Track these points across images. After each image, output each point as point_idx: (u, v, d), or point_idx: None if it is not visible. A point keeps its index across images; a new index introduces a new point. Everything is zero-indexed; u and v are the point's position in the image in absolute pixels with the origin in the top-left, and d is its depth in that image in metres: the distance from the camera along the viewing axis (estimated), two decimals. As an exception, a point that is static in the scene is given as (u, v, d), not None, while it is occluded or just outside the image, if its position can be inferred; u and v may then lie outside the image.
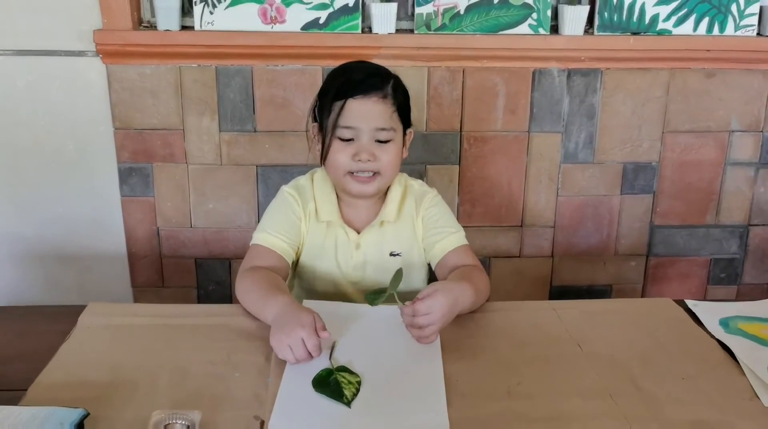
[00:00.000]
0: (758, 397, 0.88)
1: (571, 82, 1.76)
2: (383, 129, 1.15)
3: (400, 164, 1.21)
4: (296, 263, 1.26)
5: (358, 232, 1.23)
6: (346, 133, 1.15)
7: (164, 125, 1.73)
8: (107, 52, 1.66)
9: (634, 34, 1.73)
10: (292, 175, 1.76)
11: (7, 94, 1.70)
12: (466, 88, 1.75)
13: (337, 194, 1.24)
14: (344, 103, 1.13)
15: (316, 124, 1.21)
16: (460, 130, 1.78)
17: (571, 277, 1.93)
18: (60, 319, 1.06)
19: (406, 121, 1.21)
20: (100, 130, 1.74)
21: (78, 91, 1.71)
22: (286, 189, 1.25)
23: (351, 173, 1.17)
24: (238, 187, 1.79)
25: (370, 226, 1.23)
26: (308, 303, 1.11)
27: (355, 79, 1.16)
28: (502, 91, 1.76)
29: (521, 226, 1.87)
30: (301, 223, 1.22)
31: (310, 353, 0.92)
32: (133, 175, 1.77)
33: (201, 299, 1.88)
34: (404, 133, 1.22)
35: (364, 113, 1.14)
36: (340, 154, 1.15)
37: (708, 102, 1.80)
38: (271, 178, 1.78)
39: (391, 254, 1.24)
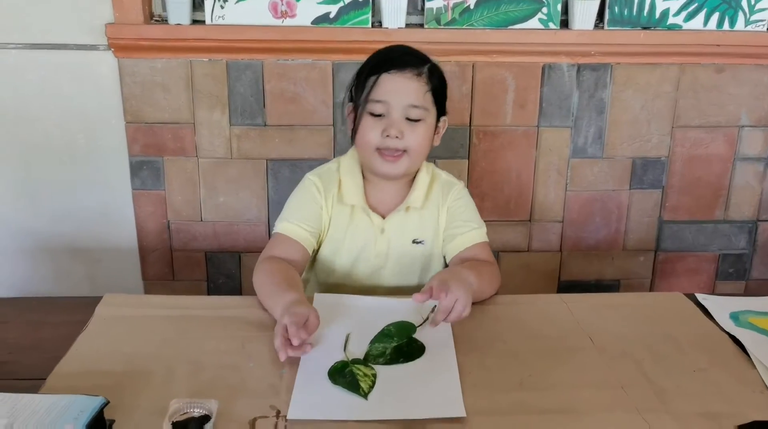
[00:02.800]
0: (769, 390, 0.89)
1: (581, 77, 1.76)
2: (415, 106, 1.15)
3: (429, 148, 1.21)
4: (316, 250, 1.26)
5: (383, 217, 1.23)
6: (377, 108, 1.15)
7: (175, 119, 1.74)
8: (119, 46, 1.67)
9: (645, 28, 1.73)
10: (302, 169, 1.78)
11: (19, 88, 1.71)
12: (476, 83, 1.76)
13: (364, 176, 1.24)
14: (378, 77, 1.14)
15: (351, 104, 1.22)
16: (470, 125, 1.78)
17: (580, 271, 1.94)
18: (74, 311, 1.07)
19: (440, 108, 1.21)
20: (111, 123, 1.75)
21: (89, 84, 1.72)
22: (309, 176, 1.26)
23: (379, 151, 1.16)
24: (249, 181, 1.80)
25: (396, 211, 1.23)
26: (320, 297, 1.12)
27: (392, 55, 1.17)
28: (511, 86, 1.76)
29: (530, 220, 1.88)
30: (322, 211, 1.22)
31: (290, 342, 0.91)
32: (144, 169, 1.78)
33: (211, 292, 1.89)
34: (437, 120, 1.21)
35: (397, 88, 1.14)
36: (370, 131, 1.16)
37: (718, 97, 1.80)
38: (281, 173, 1.79)
39: (414, 241, 1.24)
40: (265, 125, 1.76)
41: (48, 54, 1.69)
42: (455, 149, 1.80)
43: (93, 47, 1.68)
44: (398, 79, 1.14)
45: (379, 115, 1.16)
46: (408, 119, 1.15)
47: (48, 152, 1.77)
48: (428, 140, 1.20)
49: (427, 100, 1.17)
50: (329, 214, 1.23)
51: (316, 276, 1.29)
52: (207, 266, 1.87)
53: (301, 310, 0.95)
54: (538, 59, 1.74)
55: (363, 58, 1.22)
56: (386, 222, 1.23)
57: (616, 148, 1.83)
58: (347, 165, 1.25)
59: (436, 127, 1.22)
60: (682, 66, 1.77)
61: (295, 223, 1.20)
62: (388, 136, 1.14)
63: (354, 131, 1.19)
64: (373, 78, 1.15)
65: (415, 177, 1.25)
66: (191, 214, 1.82)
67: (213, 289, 1.89)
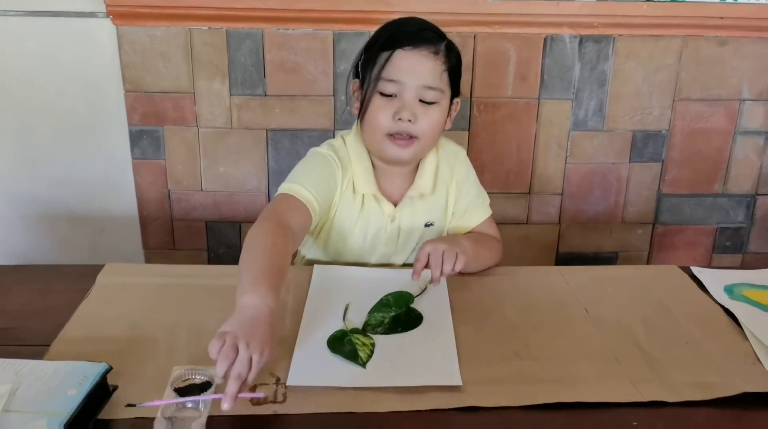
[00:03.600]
0: (760, 362, 0.90)
1: (583, 49, 1.75)
2: (430, 88, 1.07)
3: (440, 133, 1.14)
4: (319, 233, 1.21)
5: (394, 205, 1.18)
6: (388, 87, 1.06)
7: (175, 88, 1.74)
8: (117, 13, 1.66)
9: (648, 0, 1.71)
10: (302, 139, 1.79)
11: (19, 55, 1.70)
12: (477, 54, 1.75)
13: (372, 162, 1.17)
14: (391, 53, 1.05)
15: (356, 80, 1.13)
16: (471, 96, 1.78)
17: (578, 243, 1.95)
18: (77, 278, 1.08)
19: (455, 89, 1.13)
20: (111, 91, 1.74)
21: (89, 52, 1.71)
22: (323, 151, 1.16)
23: (389, 135, 1.09)
24: (249, 151, 1.80)
25: (408, 199, 1.18)
26: (319, 268, 1.13)
27: (407, 30, 1.08)
28: (513, 58, 1.75)
29: (529, 192, 1.88)
30: (336, 190, 1.14)
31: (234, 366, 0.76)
32: (144, 138, 1.78)
33: (211, 261, 1.91)
34: (451, 102, 1.13)
35: (412, 67, 1.05)
36: (380, 113, 1.07)
37: (720, 70, 1.79)
38: (281, 143, 1.79)
39: (426, 225, 1.21)
40: (266, 95, 1.75)
41: (48, 21, 1.68)
42: (456, 121, 1.77)
43: (92, 14, 1.67)
44: (414, 56, 1.05)
45: (390, 95, 1.07)
46: (421, 101, 1.08)
47: (48, 120, 1.77)
48: (440, 125, 1.12)
49: (443, 80, 1.09)
50: (341, 197, 1.16)
51: (324, 253, 1.24)
52: (207, 236, 1.89)
53: (269, 348, 0.80)
54: (540, 30, 1.73)
55: (364, 28, 1.19)
56: (397, 210, 1.18)
57: (617, 120, 1.83)
58: (355, 150, 1.16)
59: (450, 108, 1.15)
60: (685, 38, 1.76)
61: (307, 189, 1.08)
62: (400, 119, 1.06)
63: (361, 112, 1.11)
64: (385, 54, 1.06)
65: (420, 161, 1.20)
66: (191, 183, 1.83)
67: (213, 259, 1.91)
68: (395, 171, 1.18)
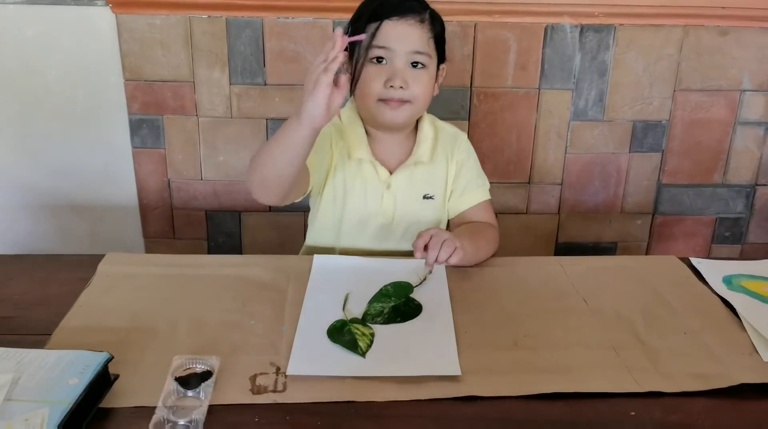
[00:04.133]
0: (758, 353, 0.91)
1: (584, 38, 1.75)
2: (419, 52, 1.13)
3: (431, 96, 1.19)
4: (319, 204, 1.24)
5: (390, 172, 1.22)
6: (379, 53, 1.12)
7: (174, 77, 1.73)
8: (117, 1, 1.65)
9: (649, -11, 1.71)
10: (302, 128, 1.78)
11: (18, 43, 1.70)
12: (478, 44, 1.74)
13: (366, 131, 1.21)
14: (380, 24, 1.11)
15: (345, 52, 1.17)
16: (471, 86, 1.78)
17: (577, 233, 1.95)
18: (78, 268, 1.08)
19: (441, 55, 1.19)
20: (110, 80, 1.74)
21: (88, 40, 1.71)
22: None
23: (382, 100, 1.14)
24: (249, 140, 1.80)
25: (404, 166, 1.21)
26: (319, 258, 1.13)
27: (391, 1, 1.13)
28: (513, 47, 1.75)
29: (529, 182, 1.88)
30: (330, 154, 1.19)
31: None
32: (144, 127, 1.78)
33: (211, 251, 1.91)
34: (438, 68, 1.20)
35: (400, 34, 1.12)
36: (372, 79, 1.13)
37: (721, 60, 1.79)
38: (281, 132, 1.79)
39: (425, 197, 1.23)
40: (265, 84, 1.75)
41: (46, 9, 1.67)
42: (456, 110, 1.79)
43: (91, 2, 1.66)
44: (401, 25, 1.12)
45: (380, 61, 1.13)
46: (412, 67, 1.13)
47: (48, 108, 1.76)
48: (430, 87, 1.17)
49: (431, 46, 1.15)
50: (334, 165, 1.20)
51: (322, 226, 1.27)
52: (207, 225, 1.89)
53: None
54: (540, 20, 1.73)
55: None
56: (393, 177, 1.21)
57: (617, 110, 1.82)
58: (348, 117, 1.22)
59: (437, 74, 1.20)
60: (686, 28, 1.75)
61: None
62: (392, 86, 1.12)
63: (353, 83, 1.15)
64: (374, 25, 1.12)
65: (417, 129, 1.23)
66: (191, 172, 1.83)
67: (213, 248, 1.91)
68: (390, 138, 1.22)
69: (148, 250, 1.90)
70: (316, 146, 1.09)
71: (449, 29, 1.72)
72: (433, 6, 1.19)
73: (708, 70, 1.80)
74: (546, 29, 1.74)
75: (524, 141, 1.84)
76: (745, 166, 1.90)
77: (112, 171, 1.83)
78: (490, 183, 1.30)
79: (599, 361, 0.88)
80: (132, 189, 1.84)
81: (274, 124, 1.78)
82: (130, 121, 1.77)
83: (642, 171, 1.89)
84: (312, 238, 1.29)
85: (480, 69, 1.76)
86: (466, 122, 1.80)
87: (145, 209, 1.86)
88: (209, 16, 1.69)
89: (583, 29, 1.74)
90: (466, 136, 1.30)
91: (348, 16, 1.67)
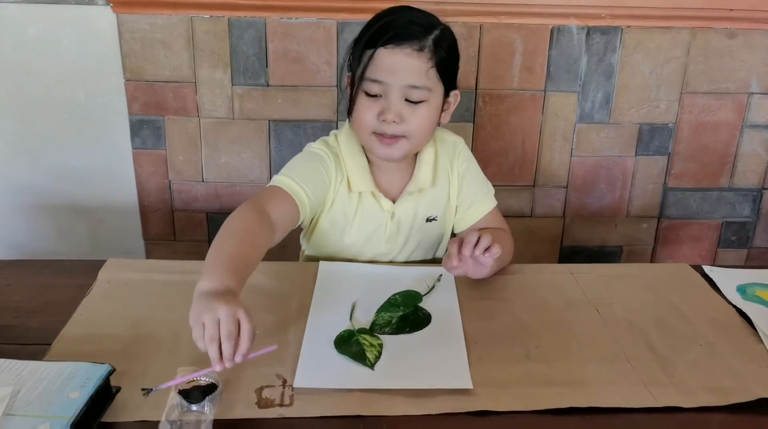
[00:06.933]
0: (774, 365, 0.89)
1: (590, 40, 1.73)
2: (415, 87, 1.02)
3: (434, 129, 1.10)
4: (313, 229, 1.18)
5: (393, 201, 1.15)
6: (373, 88, 1.03)
7: (176, 77, 1.71)
8: (118, 1, 1.62)
9: (657, -9, 1.69)
10: (304, 130, 1.76)
11: (18, 43, 1.67)
12: (483, 45, 1.72)
13: (367, 157, 1.14)
14: (374, 52, 1.01)
15: (350, 74, 1.10)
16: (476, 88, 1.75)
17: (582, 237, 1.93)
18: (78, 274, 1.06)
19: (449, 82, 1.08)
20: (111, 81, 1.71)
21: (89, 40, 1.68)
22: (317, 147, 1.14)
23: (376, 134, 1.06)
24: (251, 141, 1.78)
25: (407, 194, 1.14)
26: (325, 265, 1.11)
27: (390, 25, 1.02)
28: (519, 49, 1.72)
29: (534, 185, 1.86)
30: (330, 187, 1.12)
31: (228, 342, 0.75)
32: (145, 128, 1.75)
33: (212, 253, 1.88)
34: (445, 95, 1.09)
35: (394, 66, 1.01)
36: (365, 112, 1.05)
37: (728, 63, 1.77)
38: (283, 134, 1.77)
39: (428, 220, 1.18)
40: (268, 85, 1.72)
41: (47, 9, 1.64)
42: (460, 113, 1.77)
43: (92, 2, 1.64)
44: (396, 55, 1.01)
45: (376, 95, 1.04)
46: (408, 101, 1.04)
47: (48, 109, 1.74)
48: (432, 122, 1.08)
49: (431, 77, 1.03)
50: (334, 195, 1.13)
51: (319, 254, 1.21)
52: (208, 227, 1.86)
53: (233, 311, 0.77)
54: (546, 21, 1.70)
55: (368, 17, 1.15)
56: (396, 206, 1.14)
57: (624, 113, 1.80)
58: (347, 147, 1.13)
59: (446, 102, 1.10)
60: (694, 30, 1.73)
61: (297, 182, 1.05)
62: (384, 120, 1.03)
63: (349, 110, 1.08)
64: (369, 52, 1.02)
65: (418, 153, 1.16)
66: (192, 174, 1.80)
67: (214, 250, 1.88)
68: (391, 166, 1.14)
69: (148, 252, 1.88)
70: (313, 178, 1.08)
71: (454, 30, 1.71)
72: (437, 6, 1.12)
73: (715, 73, 1.78)
74: (552, 31, 1.71)
75: (529, 144, 1.82)
76: (752, 169, 1.88)
77: (112, 172, 1.80)
78: (495, 186, 1.27)
79: (614, 374, 0.86)
80: (132, 190, 1.82)
81: (276, 126, 1.76)
82: (131, 122, 1.74)
83: (648, 174, 1.87)
84: (311, 251, 1.23)
85: (485, 71, 1.74)
86: (471, 124, 1.78)
87: (145, 211, 1.84)
88: (211, 16, 1.66)
89: (589, 31, 1.72)
90: (463, 141, 1.22)
91: (351, 17, 1.67)
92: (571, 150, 1.83)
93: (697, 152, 1.86)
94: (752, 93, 1.80)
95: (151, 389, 0.77)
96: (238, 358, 0.76)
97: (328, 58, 1.70)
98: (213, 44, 1.68)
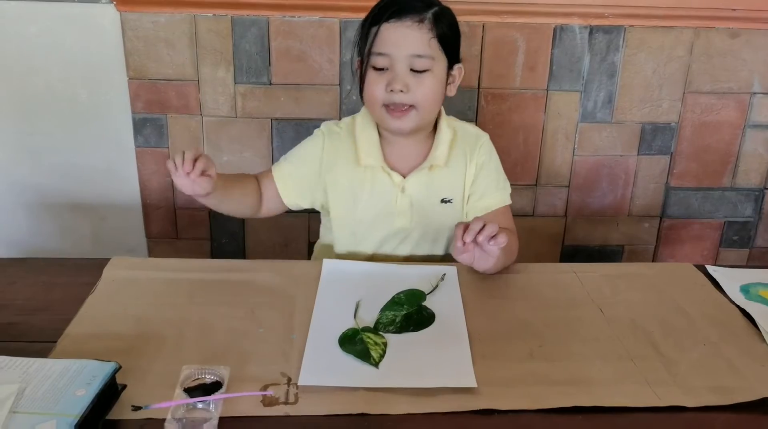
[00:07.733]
0: (778, 364, 0.89)
1: (593, 40, 1.73)
2: (419, 56, 1.08)
3: (440, 100, 1.16)
4: (327, 208, 1.25)
5: (404, 176, 1.19)
6: (379, 61, 1.10)
7: (179, 76, 1.71)
8: (121, -1, 1.63)
9: (660, -10, 1.69)
10: (307, 128, 1.75)
11: (21, 40, 1.67)
12: (486, 44, 1.72)
13: (380, 134, 1.19)
14: (378, 28, 1.09)
15: (359, 58, 1.16)
16: (478, 87, 1.75)
17: (584, 236, 1.93)
18: (82, 272, 1.07)
19: (452, 55, 1.14)
20: (114, 79, 1.71)
21: (92, 38, 1.68)
22: (321, 128, 1.25)
23: (386, 107, 1.11)
24: (253, 140, 1.78)
25: (418, 170, 1.18)
26: (329, 263, 1.11)
27: (393, 2, 1.10)
28: (521, 48, 1.73)
29: (536, 184, 1.86)
30: (318, 163, 1.21)
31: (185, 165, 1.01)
32: (147, 126, 1.75)
33: (214, 251, 1.89)
34: (449, 68, 1.15)
35: (397, 38, 1.08)
36: (374, 85, 1.11)
37: (731, 62, 1.77)
38: (286, 132, 1.77)
39: (443, 201, 1.20)
40: (271, 84, 1.72)
41: (50, 7, 1.64)
42: (463, 111, 1.77)
43: (95, 0, 1.64)
44: (399, 28, 1.08)
45: (383, 69, 1.10)
46: (413, 71, 1.09)
47: (50, 107, 1.74)
48: (438, 92, 1.13)
49: (433, 47, 1.09)
50: (335, 172, 1.20)
51: (336, 241, 1.25)
52: (210, 225, 1.87)
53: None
54: (549, 20, 1.70)
55: None
56: (407, 181, 1.18)
57: (626, 112, 1.80)
58: (361, 123, 1.20)
59: (450, 75, 1.16)
60: (696, 30, 1.73)
61: (280, 167, 1.25)
62: (392, 90, 1.09)
63: (360, 88, 1.15)
64: (374, 29, 1.09)
65: (435, 131, 1.20)
66: (195, 172, 1.80)
67: (216, 248, 1.89)
68: (404, 142, 1.19)
69: (151, 250, 1.88)
70: (297, 161, 1.25)
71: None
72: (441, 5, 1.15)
73: (718, 73, 1.78)
74: (555, 30, 1.71)
75: (532, 143, 1.82)
76: (755, 169, 1.89)
77: (115, 170, 1.80)
78: (497, 185, 1.27)
79: (618, 373, 0.86)
80: (135, 188, 1.82)
81: (279, 124, 1.76)
82: (134, 120, 1.75)
83: (650, 174, 1.87)
84: (326, 238, 1.28)
85: (488, 70, 1.74)
86: (474, 123, 1.78)
87: (147, 209, 1.84)
88: (214, 15, 1.66)
89: (592, 30, 1.72)
90: (488, 137, 1.26)
91: (354, 15, 1.67)
92: (574, 149, 1.83)
93: (700, 152, 1.86)
94: (754, 93, 1.80)
95: (141, 407, 0.76)
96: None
97: (330, 57, 1.70)
98: (216, 42, 1.68)
